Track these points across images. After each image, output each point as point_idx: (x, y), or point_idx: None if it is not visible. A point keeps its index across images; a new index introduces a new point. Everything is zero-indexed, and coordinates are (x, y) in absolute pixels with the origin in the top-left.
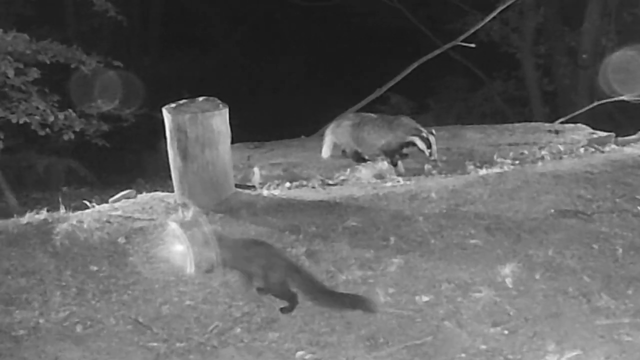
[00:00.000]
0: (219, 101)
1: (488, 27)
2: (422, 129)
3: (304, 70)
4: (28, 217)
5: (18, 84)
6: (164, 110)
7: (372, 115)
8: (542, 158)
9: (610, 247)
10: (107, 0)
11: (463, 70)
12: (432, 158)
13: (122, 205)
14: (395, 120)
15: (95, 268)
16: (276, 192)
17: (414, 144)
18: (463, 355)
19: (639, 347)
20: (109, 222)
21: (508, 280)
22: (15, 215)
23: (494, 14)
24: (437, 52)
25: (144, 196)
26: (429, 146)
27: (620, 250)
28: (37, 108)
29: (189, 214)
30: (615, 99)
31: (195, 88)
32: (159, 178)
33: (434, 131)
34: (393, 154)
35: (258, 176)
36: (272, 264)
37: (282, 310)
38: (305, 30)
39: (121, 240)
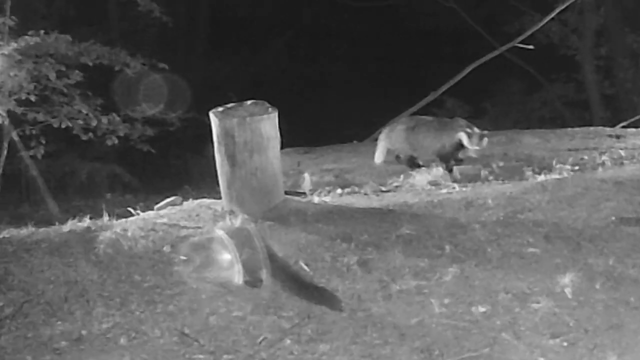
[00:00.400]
0: (268, 105)
1: (546, 28)
2: (476, 129)
3: (356, 73)
4: (70, 225)
5: (60, 87)
6: (211, 114)
7: (427, 118)
8: (603, 164)
9: None
10: (152, 1)
11: (521, 73)
12: (472, 146)
13: (168, 213)
14: (450, 123)
15: (139, 278)
16: (327, 199)
17: (461, 142)
18: None
19: None
20: (154, 230)
21: (567, 290)
22: (57, 223)
23: (553, 14)
24: (494, 53)
25: (190, 203)
26: (471, 137)
27: None
28: (80, 112)
29: (237, 222)
30: None
31: (244, 91)
32: (206, 184)
33: (485, 132)
34: (448, 159)
35: (308, 182)
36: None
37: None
38: (358, 31)
39: (166, 249)
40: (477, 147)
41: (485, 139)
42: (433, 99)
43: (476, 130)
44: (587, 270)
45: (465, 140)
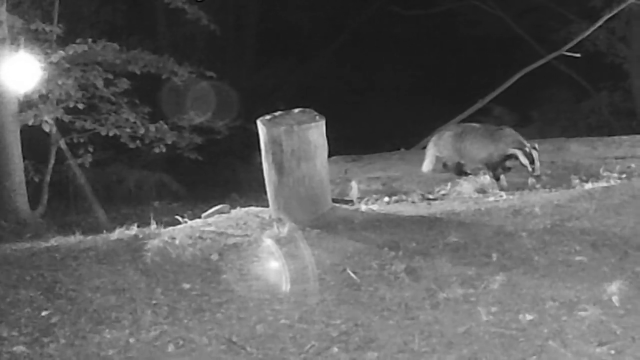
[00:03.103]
0: (315, 113)
1: (594, 36)
2: (525, 142)
3: (404, 81)
4: (118, 233)
5: (107, 95)
6: (259, 122)
7: (475, 125)
8: None
9: None
10: (200, 9)
11: (568, 81)
12: (535, 173)
13: (215, 221)
14: (497, 131)
15: (187, 286)
16: (374, 207)
17: (516, 157)
18: None
19: None
20: (202, 238)
21: (615, 299)
22: (104, 231)
23: (600, 22)
24: (541, 62)
25: (238, 211)
26: (532, 161)
27: None
28: (127, 120)
29: (285, 230)
30: None
31: (291, 99)
32: (253, 192)
33: (537, 145)
34: (495, 167)
35: (356, 190)
36: None
37: None
38: (406, 39)
39: (214, 256)
40: (532, 165)
41: (536, 152)
42: (480, 106)
43: (525, 141)
44: (634, 278)
45: (521, 158)
